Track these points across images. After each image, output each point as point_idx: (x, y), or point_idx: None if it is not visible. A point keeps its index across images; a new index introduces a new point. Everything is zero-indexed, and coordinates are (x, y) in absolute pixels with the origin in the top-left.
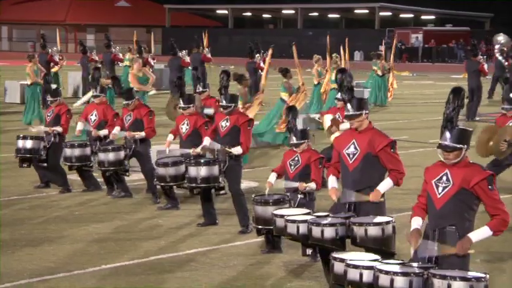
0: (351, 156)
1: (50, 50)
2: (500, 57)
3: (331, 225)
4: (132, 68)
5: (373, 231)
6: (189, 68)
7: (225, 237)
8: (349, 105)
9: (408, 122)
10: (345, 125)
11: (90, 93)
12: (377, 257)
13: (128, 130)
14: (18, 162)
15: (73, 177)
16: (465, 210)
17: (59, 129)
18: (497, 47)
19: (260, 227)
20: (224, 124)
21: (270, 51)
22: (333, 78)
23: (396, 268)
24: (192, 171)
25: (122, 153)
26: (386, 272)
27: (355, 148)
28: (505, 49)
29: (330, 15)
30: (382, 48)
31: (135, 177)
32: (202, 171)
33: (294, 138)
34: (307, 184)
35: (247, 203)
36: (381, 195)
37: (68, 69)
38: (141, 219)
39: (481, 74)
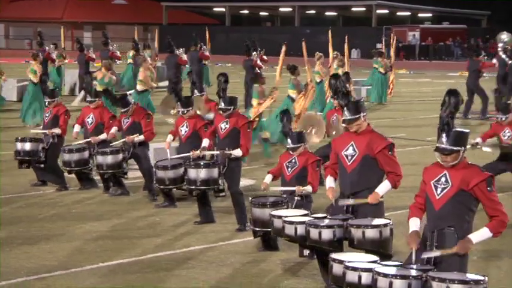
0: (349, 158)
1: (47, 48)
2: (503, 56)
3: (328, 227)
4: (146, 65)
5: (371, 233)
6: (186, 66)
7: (222, 235)
8: (346, 110)
9: (405, 120)
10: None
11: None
12: (376, 258)
13: (126, 132)
14: (18, 164)
15: (70, 175)
16: (464, 212)
17: (57, 131)
18: (500, 45)
19: (257, 229)
20: (224, 126)
21: (283, 48)
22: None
23: (395, 271)
24: (192, 173)
25: (120, 156)
26: (385, 275)
27: (354, 150)
28: (509, 47)
29: (327, 13)
30: (382, 46)
31: (132, 175)
32: (202, 173)
33: (290, 142)
34: (304, 187)
35: (244, 200)
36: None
37: (65, 67)
38: (139, 217)
39: (480, 73)
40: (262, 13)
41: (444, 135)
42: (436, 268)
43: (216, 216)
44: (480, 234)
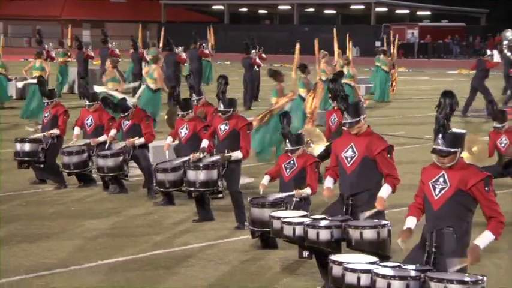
0: (349, 159)
1: (46, 46)
2: (508, 54)
3: (326, 227)
4: (160, 63)
5: (369, 234)
6: (185, 64)
7: (221, 233)
8: (346, 114)
9: (404, 118)
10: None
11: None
12: (375, 259)
13: (126, 135)
14: (17, 164)
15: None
16: (463, 212)
17: (55, 131)
18: (505, 43)
19: (256, 229)
20: (223, 128)
21: (297, 46)
22: (345, 72)
23: (393, 272)
24: (191, 175)
25: (121, 159)
26: (384, 276)
27: (353, 151)
28: None
29: (326, 11)
30: (385, 44)
31: (131, 174)
32: (201, 175)
33: (288, 144)
34: (303, 190)
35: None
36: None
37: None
38: (138, 215)
39: (487, 72)
40: (261, 11)
41: (440, 136)
42: (435, 268)
43: (215, 215)
44: (485, 239)
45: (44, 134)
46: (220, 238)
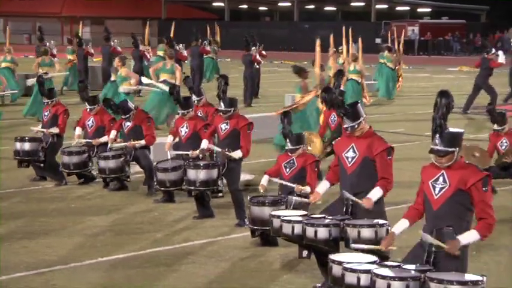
0: (350, 159)
1: (47, 43)
2: None
3: (324, 226)
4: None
5: (367, 233)
6: (186, 62)
7: (221, 230)
8: (346, 119)
9: (404, 115)
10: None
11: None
12: (375, 258)
13: (127, 135)
14: (17, 163)
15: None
16: (462, 211)
17: (55, 130)
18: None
19: (256, 227)
20: (224, 127)
21: (318, 42)
22: (351, 69)
23: (393, 272)
24: (191, 174)
25: (122, 160)
26: (383, 277)
27: (354, 152)
28: None
29: (326, 8)
30: (388, 41)
31: (132, 170)
32: (202, 174)
33: (289, 144)
34: (303, 187)
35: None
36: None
37: (64, 62)
38: (138, 212)
39: (491, 71)
40: (261, 8)
41: (437, 136)
42: (435, 268)
43: (215, 212)
44: (468, 236)
45: (44, 130)
46: (221, 235)
